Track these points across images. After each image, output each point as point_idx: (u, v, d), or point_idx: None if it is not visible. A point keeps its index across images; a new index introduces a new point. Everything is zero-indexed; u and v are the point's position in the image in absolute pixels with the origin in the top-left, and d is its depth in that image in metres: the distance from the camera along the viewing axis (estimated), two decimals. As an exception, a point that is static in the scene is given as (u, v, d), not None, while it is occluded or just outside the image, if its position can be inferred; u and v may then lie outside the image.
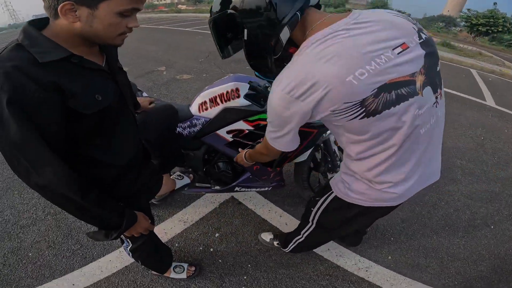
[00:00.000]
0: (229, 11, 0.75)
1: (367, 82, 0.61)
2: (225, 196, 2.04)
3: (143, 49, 6.64)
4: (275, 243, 1.65)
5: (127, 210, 0.82)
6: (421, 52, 0.67)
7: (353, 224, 1.07)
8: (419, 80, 0.67)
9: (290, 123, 0.71)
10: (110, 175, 0.84)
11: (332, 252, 1.65)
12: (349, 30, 0.64)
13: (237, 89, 1.39)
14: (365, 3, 53.28)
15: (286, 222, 1.88)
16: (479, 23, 26.51)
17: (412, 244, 1.78)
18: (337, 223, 1.08)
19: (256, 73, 1.03)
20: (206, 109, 1.48)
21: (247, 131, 1.45)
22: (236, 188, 1.73)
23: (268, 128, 0.82)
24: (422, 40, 0.69)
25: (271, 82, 1.35)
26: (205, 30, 9.39)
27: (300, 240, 1.30)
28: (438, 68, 0.74)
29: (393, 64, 0.63)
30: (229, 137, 1.49)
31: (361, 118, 0.65)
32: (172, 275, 1.41)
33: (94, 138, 0.75)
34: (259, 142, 1.49)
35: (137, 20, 0.68)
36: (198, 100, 1.51)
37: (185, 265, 1.45)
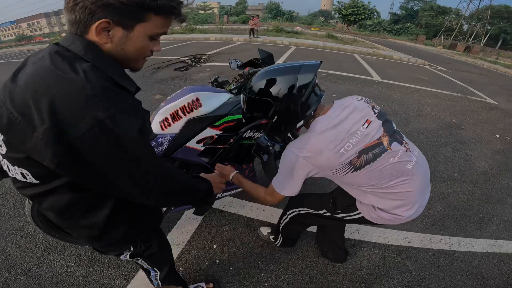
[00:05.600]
0: (268, 99, 0.98)
1: (352, 150, 0.94)
2: (205, 208, 1.98)
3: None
4: (271, 237, 1.72)
5: (198, 176, 0.88)
6: (379, 122, 1.00)
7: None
8: (385, 140, 0.97)
9: (300, 175, 1.01)
10: None
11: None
12: (334, 118, 0.99)
13: (197, 99, 1.40)
14: (262, 8, 57.30)
15: (271, 214, 1.98)
16: (348, 13, 31.65)
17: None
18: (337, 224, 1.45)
19: (265, 137, 1.30)
20: (169, 125, 1.42)
21: (216, 136, 1.49)
22: (218, 195, 1.72)
23: (277, 178, 1.07)
24: (376, 113, 1.02)
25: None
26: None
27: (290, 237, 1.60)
28: (395, 127, 1.06)
29: (365, 134, 0.96)
30: (200, 147, 1.49)
31: (352, 172, 0.97)
32: None
33: None
34: (231, 143, 1.56)
35: (160, 44, 0.66)
36: (157, 118, 1.43)
37: (202, 284, 1.38)
